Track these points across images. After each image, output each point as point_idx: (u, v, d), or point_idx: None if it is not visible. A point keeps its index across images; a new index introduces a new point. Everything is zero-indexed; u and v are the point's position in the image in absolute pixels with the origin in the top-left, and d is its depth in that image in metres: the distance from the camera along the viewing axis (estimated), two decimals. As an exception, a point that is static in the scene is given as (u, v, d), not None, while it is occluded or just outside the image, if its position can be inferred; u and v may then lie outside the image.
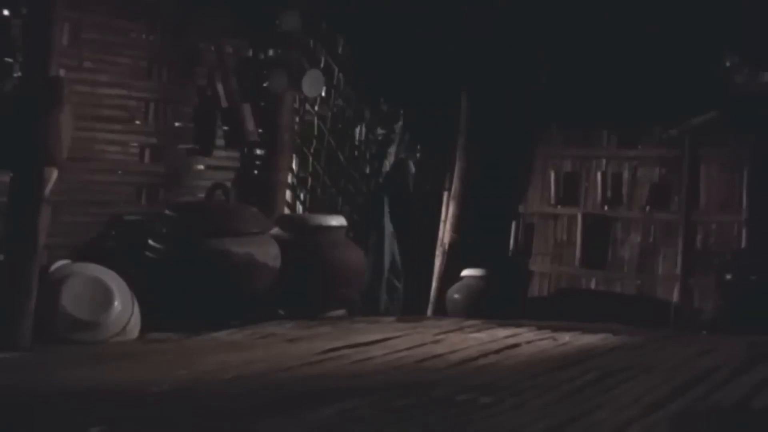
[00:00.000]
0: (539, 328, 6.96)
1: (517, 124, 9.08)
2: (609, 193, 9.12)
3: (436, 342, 6.32)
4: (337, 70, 8.95)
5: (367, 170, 9.23)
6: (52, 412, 4.19)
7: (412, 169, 8.93)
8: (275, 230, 7.48)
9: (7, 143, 5.69)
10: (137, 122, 7.38)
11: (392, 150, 9.15)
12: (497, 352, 5.96)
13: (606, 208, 9.14)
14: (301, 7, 8.21)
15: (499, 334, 6.69)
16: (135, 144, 7.39)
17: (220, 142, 7.83)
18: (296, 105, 8.61)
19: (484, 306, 8.23)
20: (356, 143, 9.24)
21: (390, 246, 8.64)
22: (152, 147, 7.45)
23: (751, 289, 8.24)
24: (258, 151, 8.20)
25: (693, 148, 8.80)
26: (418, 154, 9.41)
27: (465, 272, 8.88)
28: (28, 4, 5.96)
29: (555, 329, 6.88)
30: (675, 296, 8.75)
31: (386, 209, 8.63)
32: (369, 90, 9.18)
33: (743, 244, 8.58)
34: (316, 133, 8.95)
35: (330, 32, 8.90)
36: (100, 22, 7.07)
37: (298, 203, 8.81)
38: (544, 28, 8.86)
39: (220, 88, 7.68)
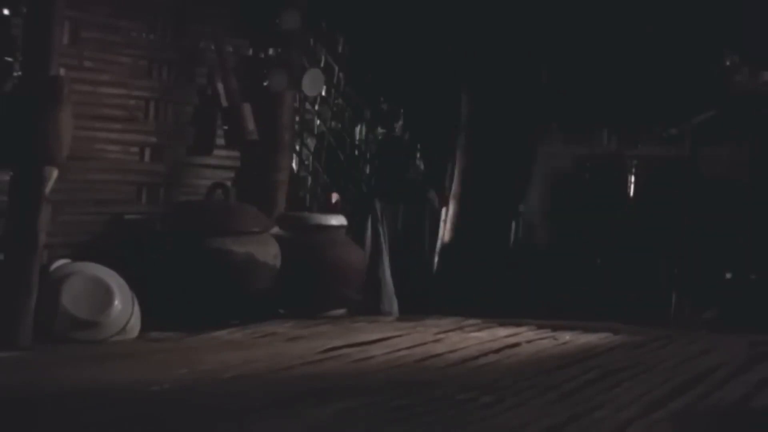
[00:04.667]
0: (539, 327, 6.97)
1: (517, 124, 9.08)
2: (609, 193, 9.11)
3: (437, 341, 6.33)
4: (337, 69, 8.94)
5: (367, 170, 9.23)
6: (52, 411, 4.18)
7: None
8: (275, 229, 7.48)
9: (7, 143, 5.69)
10: (137, 121, 7.36)
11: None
12: (497, 351, 5.97)
13: (606, 207, 9.13)
14: (301, 6, 8.20)
15: (500, 333, 6.70)
16: (135, 143, 7.38)
17: (220, 141, 7.83)
18: (296, 104, 8.60)
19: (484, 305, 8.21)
20: (356, 143, 9.24)
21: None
22: (152, 146, 7.44)
23: (751, 289, 8.24)
24: (258, 151, 8.19)
25: (693, 148, 8.79)
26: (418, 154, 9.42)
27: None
28: (28, 4, 5.96)
29: (555, 328, 6.88)
30: (675, 296, 8.74)
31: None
32: (369, 89, 9.18)
33: (744, 243, 8.57)
34: (316, 132, 8.95)
35: (330, 32, 8.90)
36: (100, 22, 7.06)
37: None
38: (544, 27, 8.86)
39: (220, 87, 7.67)
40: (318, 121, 8.96)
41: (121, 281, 6.27)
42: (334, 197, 8.36)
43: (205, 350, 5.81)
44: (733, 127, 8.62)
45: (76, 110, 6.02)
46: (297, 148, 8.76)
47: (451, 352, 5.88)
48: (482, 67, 9.06)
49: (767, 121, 8.51)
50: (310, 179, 8.86)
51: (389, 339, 6.30)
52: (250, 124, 7.71)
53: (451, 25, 8.93)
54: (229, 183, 7.62)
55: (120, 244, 6.92)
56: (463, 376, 5.16)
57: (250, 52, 8.26)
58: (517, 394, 4.63)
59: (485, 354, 5.83)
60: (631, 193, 9.02)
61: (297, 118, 8.68)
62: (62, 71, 6.11)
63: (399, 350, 5.90)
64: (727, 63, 8.83)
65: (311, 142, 9.00)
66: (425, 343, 6.19)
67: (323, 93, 8.80)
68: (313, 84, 8.41)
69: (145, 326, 6.32)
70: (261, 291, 7.02)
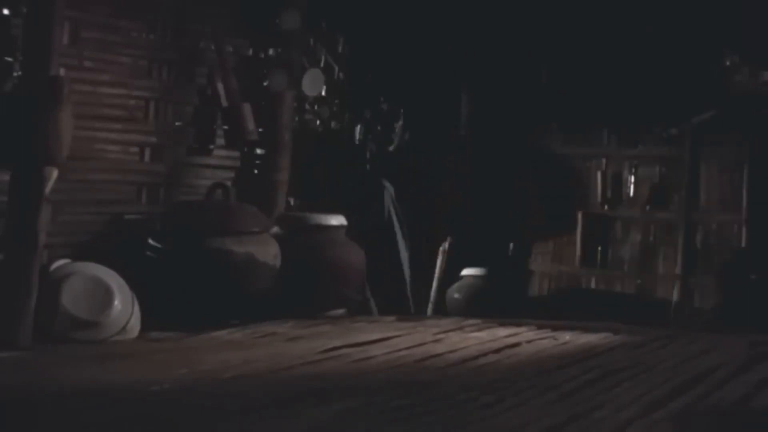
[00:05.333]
0: (539, 327, 6.96)
1: (517, 124, 9.09)
2: (609, 193, 9.12)
3: (437, 341, 6.32)
4: (337, 69, 8.94)
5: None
6: (52, 411, 4.19)
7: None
8: (275, 229, 7.48)
9: (7, 143, 5.69)
10: (137, 122, 7.36)
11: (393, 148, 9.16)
12: (497, 351, 5.97)
13: (606, 207, 9.14)
14: (301, 6, 8.21)
15: (500, 334, 6.69)
16: (135, 143, 7.38)
17: (220, 141, 7.83)
18: (296, 104, 8.60)
19: (485, 305, 8.23)
20: (356, 143, 9.24)
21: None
22: (152, 146, 7.44)
23: (751, 289, 8.25)
24: (258, 151, 8.19)
25: (693, 148, 8.81)
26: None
27: (465, 272, 8.87)
28: (28, 4, 5.96)
29: (555, 328, 6.88)
30: (675, 296, 8.75)
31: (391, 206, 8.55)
32: (369, 89, 9.18)
33: (743, 244, 8.59)
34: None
35: (330, 32, 8.90)
36: (100, 22, 7.06)
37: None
38: (544, 27, 8.87)
39: (220, 87, 7.67)
40: (318, 122, 8.96)
41: (121, 281, 6.27)
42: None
43: (205, 350, 5.80)
44: (733, 127, 8.63)
45: (76, 110, 6.02)
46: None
47: (451, 352, 5.88)
48: (482, 67, 9.07)
49: (767, 121, 8.52)
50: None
51: (389, 339, 6.30)
52: (250, 124, 7.71)
53: (451, 25, 8.94)
54: (229, 183, 7.63)
55: (120, 244, 6.92)
56: (463, 376, 5.16)
57: (250, 52, 8.26)
58: (517, 394, 4.63)
59: (485, 354, 5.82)
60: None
61: (296, 118, 8.68)
62: (62, 71, 6.10)
63: (399, 350, 5.90)
64: (727, 63, 8.84)
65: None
66: (425, 343, 6.19)
67: (323, 93, 8.80)
68: (313, 84, 8.41)
69: (145, 326, 6.32)
70: (261, 291, 7.02)
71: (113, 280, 6.23)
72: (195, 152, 7.73)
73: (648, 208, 9.02)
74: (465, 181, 9.31)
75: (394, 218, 8.61)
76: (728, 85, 8.73)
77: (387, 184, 8.62)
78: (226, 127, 7.77)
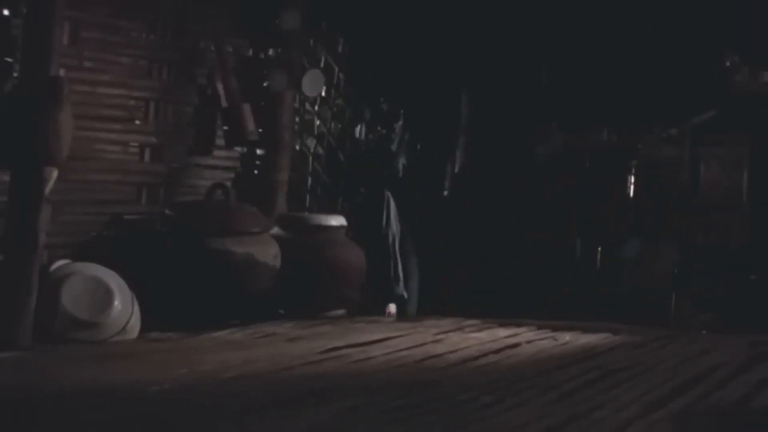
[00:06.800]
0: (539, 327, 6.97)
1: (517, 124, 9.08)
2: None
3: (437, 342, 6.33)
4: (337, 69, 8.94)
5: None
6: (52, 411, 4.19)
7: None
8: (275, 229, 7.49)
9: (7, 143, 5.69)
10: (137, 122, 7.36)
11: (394, 147, 9.15)
12: (497, 351, 5.97)
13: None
14: (301, 6, 8.21)
15: (499, 334, 6.70)
16: (135, 143, 7.38)
17: (220, 141, 7.83)
18: (296, 105, 8.60)
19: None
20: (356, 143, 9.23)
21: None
22: (152, 146, 7.44)
23: (751, 289, 8.25)
24: (258, 151, 8.19)
25: (693, 148, 8.80)
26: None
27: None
28: (28, 4, 5.96)
29: (555, 329, 6.88)
30: (675, 296, 8.74)
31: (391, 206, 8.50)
32: (369, 89, 9.18)
33: (743, 244, 8.58)
34: (316, 133, 8.95)
35: (330, 32, 8.90)
36: (100, 22, 7.06)
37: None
38: (544, 27, 8.87)
39: (220, 87, 7.67)
40: (318, 122, 8.96)
41: (121, 281, 6.27)
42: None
43: (205, 350, 5.81)
44: (733, 127, 8.63)
45: (76, 110, 6.02)
46: (297, 148, 8.75)
47: (451, 352, 5.88)
48: (482, 67, 9.07)
49: (767, 121, 8.52)
50: (310, 180, 8.85)
51: (389, 339, 6.30)
52: (250, 124, 7.71)
53: (451, 25, 8.93)
54: (229, 183, 7.63)
55: (120, 244, 6.92)
56: (463, 376, 5.16)
57: (250, 52, 8.26)
58: (517, 394, 4.64)
59: (485, 354, 5.83)
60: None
61: (297, 119, 8.67)
62: (62, 71, 6.10)
63: (399, 350, 5.90)
64: (727, 63, 8.83)
65: (311, 143, 9.00)
66: (425, 344, 6.19)
67: (323, 93, 8.80)
68: (313, 84, 8.41)
69: (145, 326, 6.32)
70: (261, 291, 7.03)
71: (113, 280, 6.23)
72: (195, 152, 7.73)
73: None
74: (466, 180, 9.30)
75: (393, 227, 8.52)
76: (728, 85, 8.72)
77: (388, 193, 8.58)
78: (226, 128, 7.77)
